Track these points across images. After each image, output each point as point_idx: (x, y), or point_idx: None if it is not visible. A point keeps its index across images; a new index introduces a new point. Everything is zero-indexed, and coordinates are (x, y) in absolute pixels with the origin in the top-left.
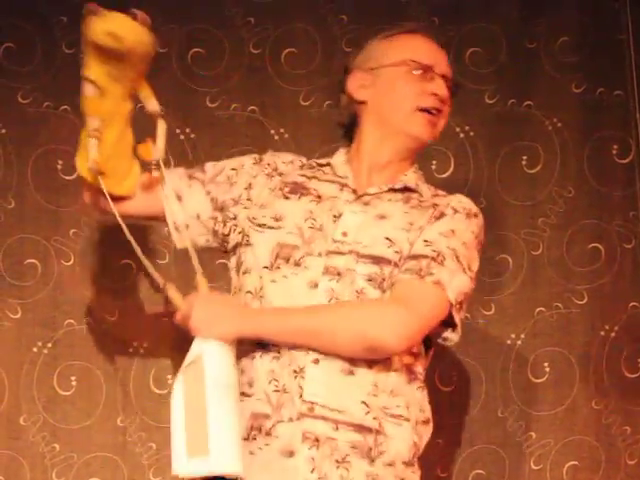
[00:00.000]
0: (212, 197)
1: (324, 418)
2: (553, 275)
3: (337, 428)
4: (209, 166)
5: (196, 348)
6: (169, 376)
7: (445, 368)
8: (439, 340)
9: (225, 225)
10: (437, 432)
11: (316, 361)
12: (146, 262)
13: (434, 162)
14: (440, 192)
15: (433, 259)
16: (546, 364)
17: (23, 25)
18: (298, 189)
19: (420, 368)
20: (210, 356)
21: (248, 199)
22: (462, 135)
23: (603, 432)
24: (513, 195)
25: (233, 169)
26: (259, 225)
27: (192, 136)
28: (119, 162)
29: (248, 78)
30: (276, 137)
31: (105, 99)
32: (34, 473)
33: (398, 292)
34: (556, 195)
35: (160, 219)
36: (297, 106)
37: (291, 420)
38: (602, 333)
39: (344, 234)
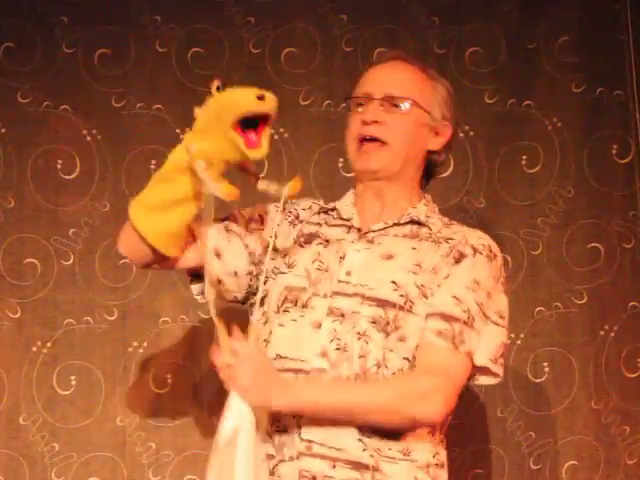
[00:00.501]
0: (250, 251)
1: (322, 457)
2: (553, 275)
3: (334, 466)
4: (238, 215)
5: (235, 415)
6: (168, 375)
7: None
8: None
9: (258, 279)
10: None
11: None
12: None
13: None
14: (454, 223)
15: (465, 323)
16: (545, 364)
17: (23, 25)
18: (311, 238)
19: None
20: (244, 438)
21: (274, 249)
22: (462, 135)
23: (602, 432)
24: (513, 195)
25: (260, 215)
26: (277, 273)
27: None
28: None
29: (248, 78)
30: (276, 136)
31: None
32: (33, 472)
33: (434, 362)
34: (556, 195)
35: (191, 272)
36: (297, 106)
37: (291, 459)
38: (602, 333)
39: (348, 273)
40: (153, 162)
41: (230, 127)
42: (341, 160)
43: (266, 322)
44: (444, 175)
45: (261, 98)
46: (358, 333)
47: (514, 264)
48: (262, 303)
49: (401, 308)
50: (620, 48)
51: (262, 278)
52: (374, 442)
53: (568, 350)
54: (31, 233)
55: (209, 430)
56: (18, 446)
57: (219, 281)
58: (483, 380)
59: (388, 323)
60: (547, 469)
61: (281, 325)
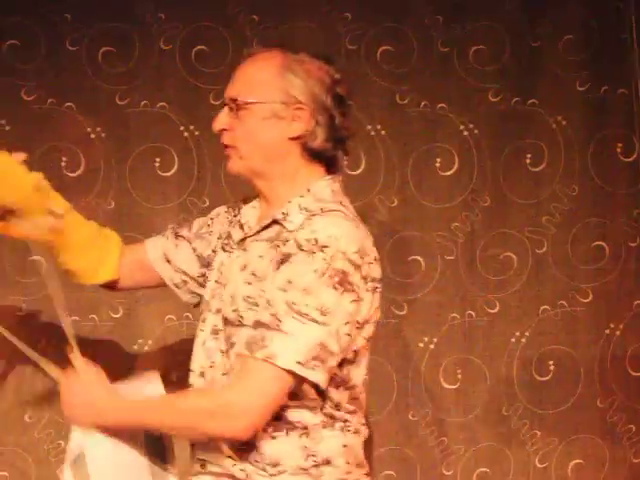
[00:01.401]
0: (198, 254)
1: (211, 473)
2: (557, 273)
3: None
4: (196, 221)
5: (76, 439)
6: (174, 373)
7: (449, 366)
8: None
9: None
10: (441, 430)
11: None
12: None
13: (438, 160)
14: (322, 212)
15: (268, 327)
16: (551, 362)
17: (27, 23)
18: (227, 242)
19: (307, 413)
20: (92, 451)
21: (213, 251)
22: (466, 133)
23: (608, 430)
24: (517, 193)
25: (211, 218)
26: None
27: (196, 133)
28: (84, 258)
29: None
30: None
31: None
32: (39, 470)
33: (236, 374)
34: (560, 193)
35: (158, 285)
36: None
37: (196, 474)
38: (607, 331)
39: (225, 287)
40: (157, 160)
41: None
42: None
43: None
44: (448, 173)
45: None
46: (221, 351)
47: (519, 262)
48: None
49: (232, 324)
50: (624, 47)
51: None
52: (248, 455)
53: (573, 348)
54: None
55: None
56: (24, 443)
57: (185, 282)
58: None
59: (229, 338)
60: (552, 468)
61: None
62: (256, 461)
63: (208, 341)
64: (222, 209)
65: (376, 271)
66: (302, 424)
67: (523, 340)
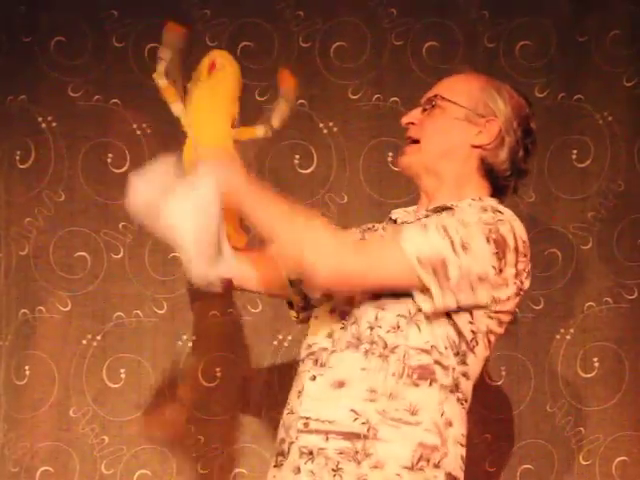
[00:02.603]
0: None
1: (317, 431)
2: (603, 270)
3: (327, 439)
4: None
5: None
6: (218, 369)
7: (494, 363)
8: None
9: None
10: (485, 427)
11: (313, 378)
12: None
13: None
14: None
15: (413, 225)
16: (595, 359)
17: (74, 19)
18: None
19: (442, 372)
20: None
21: None
22: None
23: None
24: (563, 189)
25: (372, 224)
26: None
27: None
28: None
29: (297, 72)
30: (325, 131)
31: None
32: (83, 465)
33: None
34: (606, 189)
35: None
36: (346, 100)
37: (297, 439)
38: None
39: None
40: None
41: None
42: (390, 154)
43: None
44: None
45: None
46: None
47: (564, 259)
48: None
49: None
50: None
51: None
52: (378, 404)
53: (618, 345)
54: (81, 227)
55: (258, 424)
56: (68, 438)
57: None
58: (418, 299)
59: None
60: (597, 465)
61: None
62: (384, 410)
63: (339, 308)
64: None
65: (527, 283)
66: (439, 380)
67: (568, 337)
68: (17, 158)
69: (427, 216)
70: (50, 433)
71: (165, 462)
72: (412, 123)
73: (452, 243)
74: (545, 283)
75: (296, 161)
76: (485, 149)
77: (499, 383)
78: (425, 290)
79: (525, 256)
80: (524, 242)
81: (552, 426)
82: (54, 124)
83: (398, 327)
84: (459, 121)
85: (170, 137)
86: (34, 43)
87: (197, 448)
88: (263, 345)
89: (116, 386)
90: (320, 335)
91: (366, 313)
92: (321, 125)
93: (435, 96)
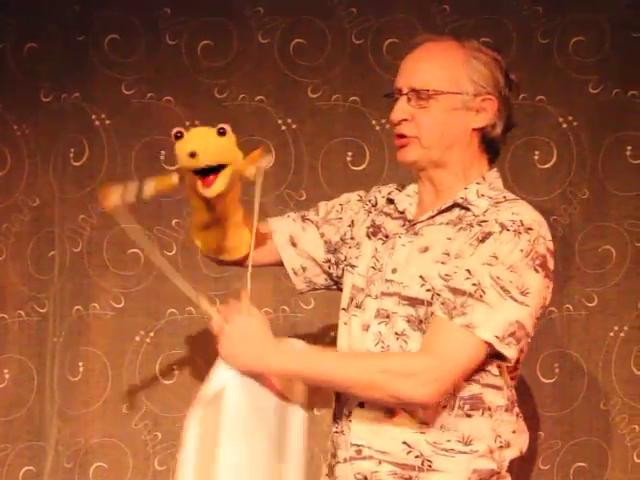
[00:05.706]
0: (326, 239)
1: (370, 457)
2: None
3: (380, 463)
4: (322, 205)
5: (220, 376)
6: None
7: (547, 360)
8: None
9: (337, 267)
10: (538, 424)
11: (361, 404)
12: (177, 278)
13: (537, 153)
14: (506, 199)
15: (470, 295)
16: None
17: (127, 17)
18: (376, 230)
19: (496, 394)
20: (232, 392)
21: (352, 237)
22: (565, 125)
23: None
24: (617, 185)
25: (340, 204)
26: (349, 265)
27: (293, 127)
28: (232, 239)
29: (350, 68)
30: (377, 127)
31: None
32: (136, 461)
33: (427, 338)
34: None
35: (275, 264)
36: None
37: (345, 461)
38: None
39: (394, 271)
40: None
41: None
42: None
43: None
44: (547, 166)
45: (193, 155)
46: (396, 333)
47: (618, 256)
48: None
49: (429, 304)
50: None
51: (342, 266)
52: (429, 436)
53: None
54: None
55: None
56: (121, 435)
57: (304, 269)
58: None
59: (421, 321)
60: None
61: (345, 324)
62: (436, 442)
63: (374, 325)
64: (352, 196)
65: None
66: (491, 405)
67: (622, 334)
68: (71, 155)
69: (441, 223)
70: (103, 429)
71: None
72: (405, 120)
73: (514, 299)
74: (599, 280)
75: (349, 158)
76: (485, 128)
77: (552, 381)
78: None
79: (552, 248)
80: (550, 240)
81: (606, 424)
82: (107, 122)
83: None
84: (457, 111)
85: None
86: (88, 41)
87: None
88: (317, 341)
89: (169, 382)
90: None
91: (412, 350)
92: (373, 122)
93: (420, 91)
